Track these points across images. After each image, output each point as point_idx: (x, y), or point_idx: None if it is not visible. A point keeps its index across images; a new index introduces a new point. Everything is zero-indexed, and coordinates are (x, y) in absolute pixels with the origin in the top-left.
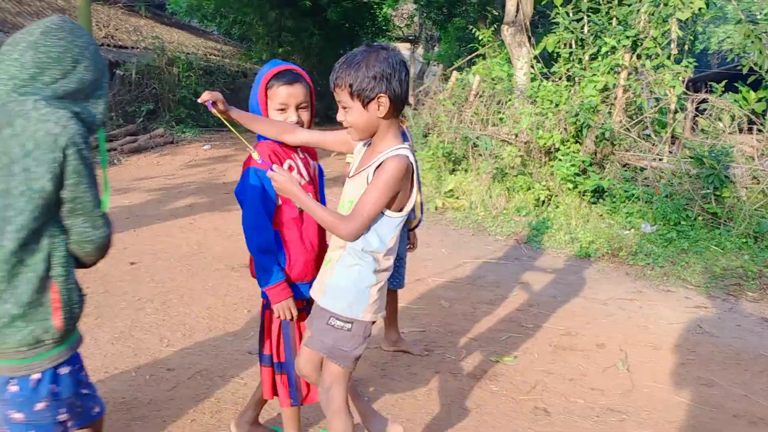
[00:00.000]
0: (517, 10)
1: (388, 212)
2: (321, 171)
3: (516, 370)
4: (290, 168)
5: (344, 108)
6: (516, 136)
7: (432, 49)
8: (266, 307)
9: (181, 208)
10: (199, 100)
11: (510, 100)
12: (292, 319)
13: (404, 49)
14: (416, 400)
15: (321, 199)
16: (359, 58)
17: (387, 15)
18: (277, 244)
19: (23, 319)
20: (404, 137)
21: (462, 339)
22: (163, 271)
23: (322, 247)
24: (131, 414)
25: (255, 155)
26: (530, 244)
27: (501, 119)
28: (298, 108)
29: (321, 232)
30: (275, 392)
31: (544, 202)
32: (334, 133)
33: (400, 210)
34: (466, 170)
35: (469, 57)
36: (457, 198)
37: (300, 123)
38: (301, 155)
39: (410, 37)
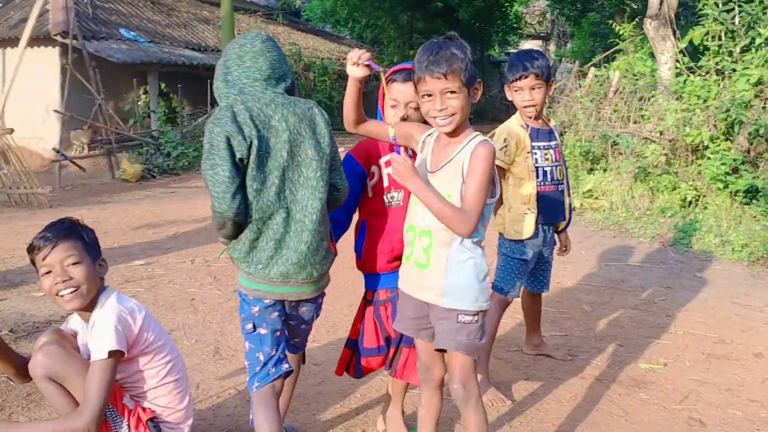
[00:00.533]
0: (661, 3)
1: None
2: None
3: (666, 378)
4: (388, 163)
5: (452, 93)
6: (661, 133)
7: (564, 45)
8: (364, 297)
9: None
10: (363, 59)
11: (653, 96)
12: None
13: (536, 46)
14: (561, 404)
15: None
16: (456, 44)
17: (518, 12)
18: (361, 232)
19: (329, 251)
20: (551, 136)
21: (607, 344)
22: None
23: (401, 245)
24: None
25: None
26: (677, 246)
27: (643, 116)
28: (407, 106)
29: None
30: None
31: (691, 202)
32: (398, 126)
33: (492, 195)
34: (604, 169)
35: (607, 53)
36: (596, 198)
37: (411, 120)
38: (410, 153)
39: (542, 34)
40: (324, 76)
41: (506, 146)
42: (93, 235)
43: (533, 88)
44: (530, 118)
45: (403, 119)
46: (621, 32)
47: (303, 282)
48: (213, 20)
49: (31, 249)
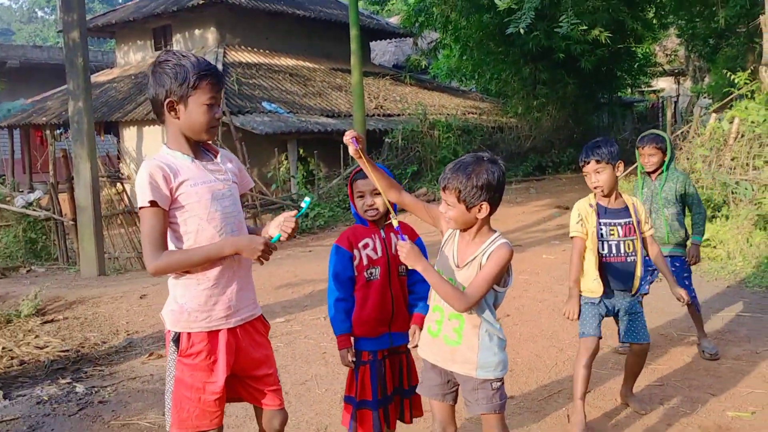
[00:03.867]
0: None
1: (497, 287)
2: (421, 244)
3: (751, 425)
4: (365, 245)
5: (447, 204)
6: None
7: (701, 80)
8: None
9: None
10: (346, 137)
11: None
12: (347, 365)
13: (669, 83)
14: None
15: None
16: (470, 168)
17: (647, 53)
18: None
19: None
20: (622, 213)
21: (701, 393)
22: None
23: (384, 312)
24: None
25: (395, 222)
26: None
27: (766, 162)
28: (372, 194)
29: (384, 299)
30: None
31: None
32: (429, 207)
33: (504, 285)
34: (726, 217)
35: (728, 99)
36: (714, 247)
37: (375, 205)
38: (382, 235)
39: (676, 71)
40: (448, 132)
41: (580, 220)
42: None
43: (597, 172)
44: (603, 196)
45: (369, 204)
46: (736, 81)
47: None
48: (345, 87)
49: None
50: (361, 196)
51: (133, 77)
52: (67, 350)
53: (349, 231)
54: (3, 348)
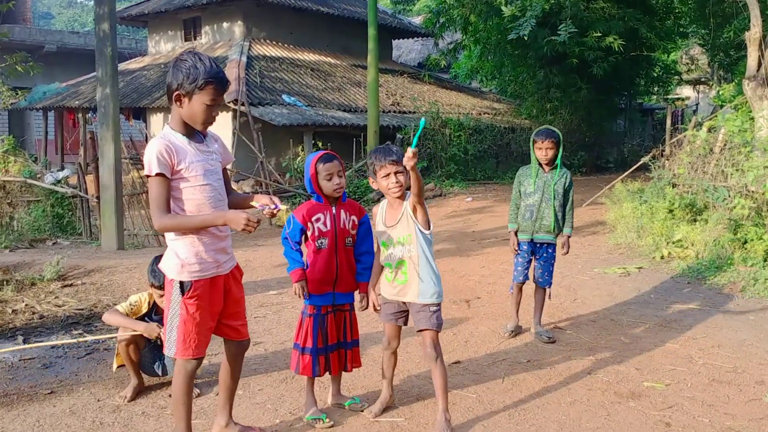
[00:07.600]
0: (759, 66)
1: (429, 234)
2: (367, 221)
3: (662, 394)
4: (317, 219)
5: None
6: (745, 187)
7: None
8: (303, 312)
9: None
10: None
11: (750, 152)
12: (299, 296)
13: (691, 92)
14: (559, 406)
15: (364, 243)
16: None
17: (665, 61)
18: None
19: None
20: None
21: (627, 368)
22: None
23: (329, 274)
24: None
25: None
26: (744, 293)
27: (739, 171)
28: (338, 174)
29: (329, 265)
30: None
31: None
32: None
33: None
34: (706, 221)
35: (714, 114)
36: (686, 248)
37: (341, 184)
38: (333, 212)
39: (701, 79)
40: (460, 131)
41: None
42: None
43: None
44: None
45: (338, 184)
46: (721, 93)
47: None
48: (364, 83)
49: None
50: (330, 178)
51: (162, 66)
52: (82, 309)
53: (305, 206)
54: (26, 305)
